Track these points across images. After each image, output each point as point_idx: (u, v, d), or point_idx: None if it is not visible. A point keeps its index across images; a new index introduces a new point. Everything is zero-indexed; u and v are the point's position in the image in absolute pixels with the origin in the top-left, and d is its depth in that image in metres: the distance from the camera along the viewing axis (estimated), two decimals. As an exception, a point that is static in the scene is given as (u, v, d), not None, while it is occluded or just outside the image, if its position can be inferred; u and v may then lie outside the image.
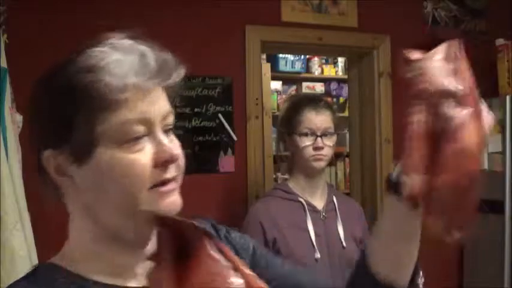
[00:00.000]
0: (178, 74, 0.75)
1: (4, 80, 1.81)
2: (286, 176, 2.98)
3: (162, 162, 0.72)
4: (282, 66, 4.50)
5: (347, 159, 4.34)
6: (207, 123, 2.59)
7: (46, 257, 2.00)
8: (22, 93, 2.07)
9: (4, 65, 1.82)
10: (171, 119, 0.76)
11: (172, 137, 0.76)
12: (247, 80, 2.67)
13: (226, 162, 2.62)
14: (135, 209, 0.72)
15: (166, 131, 0.75)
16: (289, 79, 4.67)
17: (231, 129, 2.62)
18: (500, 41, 2.96)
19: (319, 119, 1.94)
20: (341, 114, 3.68)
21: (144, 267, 0.76)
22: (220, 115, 2.61)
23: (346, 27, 2.88)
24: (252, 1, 2.69)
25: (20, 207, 1.76)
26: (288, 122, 2.00)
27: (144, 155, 0.71)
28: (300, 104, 2.01)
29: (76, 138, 0.70)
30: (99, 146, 0.70)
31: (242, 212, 2.48)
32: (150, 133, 0.73)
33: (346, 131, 3.42)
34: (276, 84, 4.60)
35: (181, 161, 0.76)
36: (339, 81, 4.80)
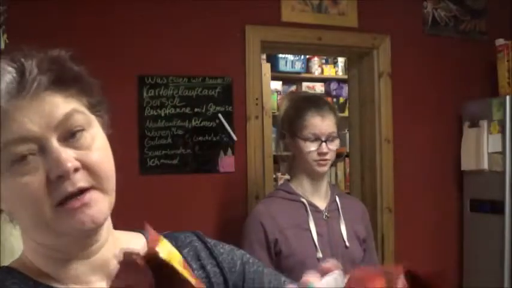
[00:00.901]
0: (49, 75, 0.68)
1: (4, 80, 1.81)
2: (286, 176, 2.98)
3: (55, 179, 0.66)
4: (282, 66, 4.50)
5: (347, 159, 4.34)
6: (207, 123, 2.59)
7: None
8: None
9: (4, 65, 1.82)
10: (75, 119, 0.69)
11: (84, 139, 0.70)
12: (247, 80, 2.67)
13: (226, 162, 2.62)
14: (51, 229, 0.68)
15: (73, 134, 0.69)
16: (289, 79, 4.67)
17: (231, 129, 2.62)
18: (500, 41, 2.96)
19: (324, 125, 1.91)
20: (341, 114, 3.68)
21: (99, 273, 0.74)
22: (220, 115, 2.61)
23: (346, 27, 2.88)
24: (252, 1, 2.69)
25: (20, 207, 1.76)
26: (291, 124, 1.97)
27: (36, 175, 0.66)
28: (302, 106, 1.97)
29: None
30: None
31: (242, 212, 2.48)
32: (41, 148, 0.66)
33: (346, 131, 3.42)
34: (276, 84, 4.60)
35: (98, 167, 0.70)
36: (339, 81, 4.80)
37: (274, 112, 4.03)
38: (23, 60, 0.69)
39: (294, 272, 1.86)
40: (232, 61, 2.65)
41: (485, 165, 2.83)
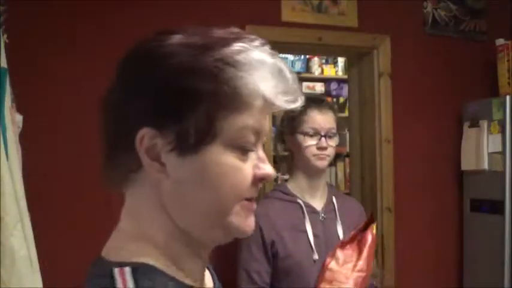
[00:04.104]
0: (302, 100, 0.71)
1: (4, 80, 1.81)
2: (286, 177, 2.98)
3: (259, 178, 0.69)
4: (282, 66, 4.49)
5: (347, 159, 4.34)
6: (207, 123, 2.58)
7: (46, 256, 1.99)
8: (22, 93, 2.07)
9: (4, 65, 1.82)
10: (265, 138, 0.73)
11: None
12: (247, 80, 2.66)
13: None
14: (221, 217, 0.68)
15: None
16: (289, 79, 4.66)
17: (231, 129, 2.62)
18: (500, 41, 2.96)
19: (323, 119, 1.93)
20: (341, 114, 3.68)
21: (203, 274, 0.74)
22: (220, 115, 2.61)
23: (346, 27, 2.88)
24: (252, 1, 2.69)
25: (20, 207, 1.75)
26: (291, 121, 1.98)
27: (248, 166, 0.68)
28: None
29: (189, 126, 0.64)
30: (211, 143, 0.65)
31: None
32: (255, 146, 0.70)
33: (346, 131, 3.42)
34: (276, 84, 4.59)
35: (266, 180, 0.73)
36: (339, 81, 4.80)
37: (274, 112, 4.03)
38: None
39: (291, 274, 1.86)
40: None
41: (485, 165, 2.82)
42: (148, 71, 0.67)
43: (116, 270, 0.64)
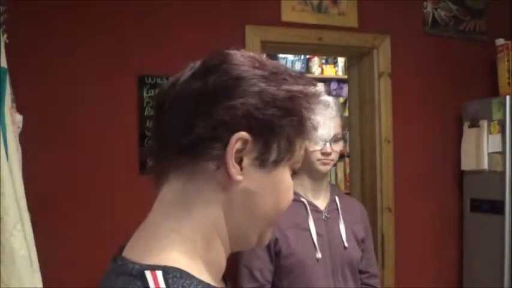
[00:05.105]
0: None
1: (4, 80, 1.81)
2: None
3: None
4: (282, 66, 4.50)
5: (347, 159, 4.34)
6: (207, 123, 2.59)
7: (46, 257, 1.99)
8: (22, 93, 2.07)
9: (4, 65, 1.82)
10: None
11: None
12: (247, 80, 2.66)
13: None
14: (267, 227, 0.76)
15: None
16: (289, 79, 4.66)
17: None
18: (500, 41, 2.96)
19: (329, 125, 1.92)
20: (341, 114, 3.68)
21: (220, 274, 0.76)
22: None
23: (346, 27, 2.88)
24: (252, 1, 2.69)
25: (20, 207, 1.75)
26: None
27: (293, 186, 0.78)
28: None
29: (274, 143, 0.71)
30: (286, 161, 0.74)
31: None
32: None
33: (346, 131, 3.42)
34: (276, 84, 4.59)
35: None
36: (339, 81, 4.80)
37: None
38: None
39: (294, 272, 1.86)
40: (232, 61, 2.65)
41: (485, 165, 2.83)
42: (248, 84, 0.71)
43: (148, 273, 0.64)
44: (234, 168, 0.69)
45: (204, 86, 0.71)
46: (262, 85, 0.70)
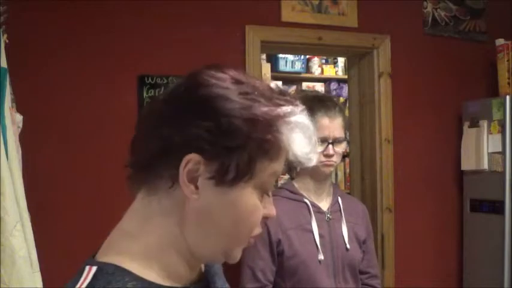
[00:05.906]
0: (315, 158, 0.79)
1: (4, 80, 1.81)
2: (286, 176, 2.98)
3: (265, 217, 0.77)
4: (282, 66, 4.50)
5: (347, 159, 4.34)
6: (207, 123, 2.58)
7: (46, 257, 1.99)
8: (22, 93, 2.07)
9: (4, 65, 1.82)
10: None
11: None
12: (247, 80, 2.66)
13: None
14: (231, 246, 0.75)
15: None
16: (289, 79, 4.66)
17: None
18: (500, 41, 2.96)
19: (332, 126, 1.89)
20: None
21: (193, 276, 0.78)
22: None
23: (346, 27, 2.88)
24: (252, 1, 2.69)
25: (20, 207, 1.75)
26: None
27: (261, 206, 0.76)
28: (312, 106, 1.89)
29: (232, 163, 0.70)
30: (245, 181, 0.72)
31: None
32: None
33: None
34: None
35: None
36: (339, 81, 4.79)
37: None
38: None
39: (296, 273, 1.86)
40: (232, 61, 2.65)
41: (485, 165, 2.83)
42: (208, 105, 0.71)
43: (87, 268, 0.71)
44: (187, 187, 0.71)
45: (165, 106, 0.74)
46: (224, 107, 0.70)
